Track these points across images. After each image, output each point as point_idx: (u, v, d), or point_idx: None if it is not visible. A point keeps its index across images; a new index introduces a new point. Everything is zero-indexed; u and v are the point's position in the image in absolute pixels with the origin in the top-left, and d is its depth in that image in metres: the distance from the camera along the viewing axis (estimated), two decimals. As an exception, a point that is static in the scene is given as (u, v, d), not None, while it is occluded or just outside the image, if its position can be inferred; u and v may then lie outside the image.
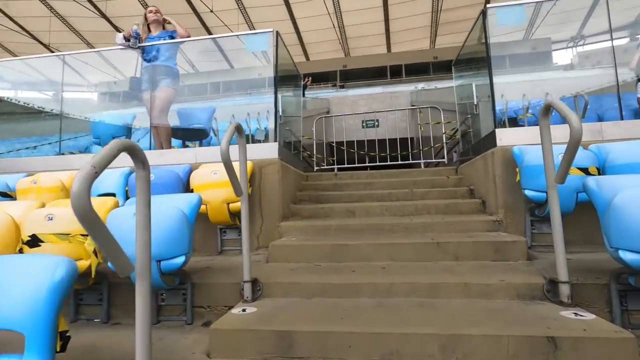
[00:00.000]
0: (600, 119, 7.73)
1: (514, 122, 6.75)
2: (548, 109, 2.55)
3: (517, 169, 3.58)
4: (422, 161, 6.31)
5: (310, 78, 9.99)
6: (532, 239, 3.62)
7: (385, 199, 4.54)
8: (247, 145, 3.84)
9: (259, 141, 5.67)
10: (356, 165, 6.88)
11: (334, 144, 7.98)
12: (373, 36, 28.98)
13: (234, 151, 3.01)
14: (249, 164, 3.83)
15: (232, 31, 24.96)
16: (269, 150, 4.04)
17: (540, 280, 2.54)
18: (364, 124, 11.22)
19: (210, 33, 28.13)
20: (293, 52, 31.18)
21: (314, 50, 30.19)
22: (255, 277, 2.67)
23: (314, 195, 4.68)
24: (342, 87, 26.95)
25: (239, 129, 2.60)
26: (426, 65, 28.84)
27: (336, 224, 3.84)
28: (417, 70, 28.64)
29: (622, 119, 6.56)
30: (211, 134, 5.88)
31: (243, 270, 2.60)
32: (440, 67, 29.13)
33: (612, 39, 4.36)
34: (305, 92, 12.14)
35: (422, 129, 6.80)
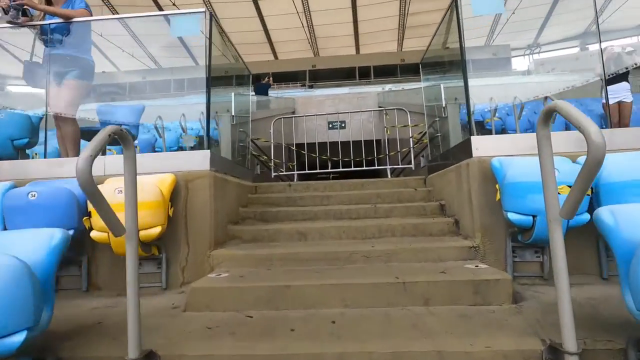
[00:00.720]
0: (567, 127, 7.33)
1: (480, 125, 6.21)
2: (549, 115, 1.86)
3: (497, 186, 2.92)
4: (388, 167, 5.61)
5: (270, 77, 9.10)
6: (514, 268, 2.97)
7: (344, 216, 3.78)
8: (171, 153, 2.96)
9: (184, 148, 4.77)
10: (318, 171, 6.11)
11: (294, 148, 7.16)
12: (342, 37, 28.33)
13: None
14: (169, 178, 2.95)
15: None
16: (198, 160, 3.16)
17: (537, 345, 1.85)
18: (330, 125, 10.49)
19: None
20: (261, 50, 30.20)
21: (283, 49, 29.16)
22: (149, 350, 1.82)
23: (260, 213, 3.85)
24: (311, 86, 26.16)
25: (120, 135, 1.73)
26: (394, 68, 28.56)
27: (281, 252, 3.03)
28: (385, 72, 28.29)
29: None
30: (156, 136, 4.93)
31: (128, 341, 1.74)
32: (408, 70, 28.92)
33: (600, 42, 3.75)
34: (269, 91, 11.23)
35: (389, 132, 6.11)
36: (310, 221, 3.67)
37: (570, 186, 2.65)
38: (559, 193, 2.60)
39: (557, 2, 25.14)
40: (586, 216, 2.66)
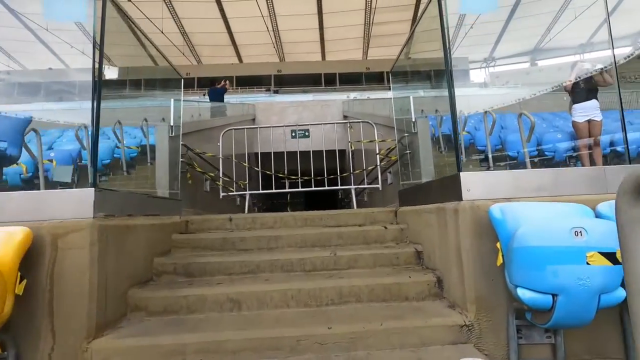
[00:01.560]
0: (539, 143, 6.79)
1: (447, 139, 5.50)
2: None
3: (499, 245, 2.08)
4: (352, 187, 4.71)
5: (227, 81, 7.99)
6: (519, 354, 2.14)
7: (295, 269, 2.82)
8: (27, 193, 1.89)
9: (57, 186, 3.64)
10: (274, 191, 5.11)
11: (246, 165, 6.11)
12: (308, 43, 27.48)
13: None
14: (18, 234, 1.85)
15: (155, 25, 21.82)
16: (73, 204, 2.08)
17: None
18: (293, 134, 9.52)
19: (133, 23, 24.45)
20: (225, 53, 28.59)
21: (248, 53, 27.82)
22: None
23: (183, 265, 2.78)
24: (276, 91, 25.07)
25: None
26: (359, 76, 28.12)
27: (200, 341, 2.02)
28: (350, 79, 27.75)
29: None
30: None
31: None
32: (372, 78, 28.59)
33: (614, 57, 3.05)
34: (225, 97, 10.06)
35: (353, 147, 5.23)
36: (249, 279, 2.66)
37: (603, 253, 1.86)
38: (587, 263, 1.79)
39: (510, 20, 25.83)
40: (622, 292, 1.88)
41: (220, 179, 4.95)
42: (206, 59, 27.58)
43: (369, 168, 5.24)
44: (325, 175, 5.14)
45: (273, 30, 24.86)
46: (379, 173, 4.87)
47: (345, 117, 9.42)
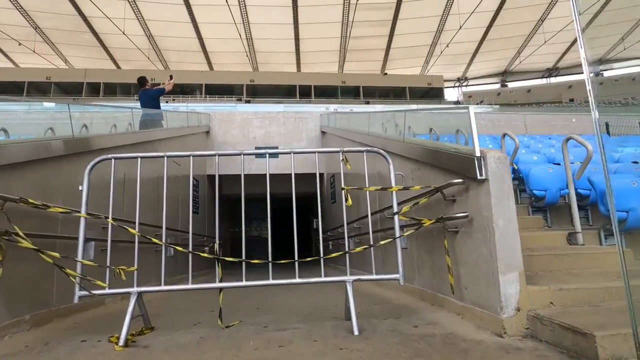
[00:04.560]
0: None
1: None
2: None
3: None
4: (348, 273, 2.09)
5: (171, 77, 5.70)
6: None
7: None
8: None
9: None
10: (199, 286, 2.69)
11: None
12: (283, 53, 25.87)
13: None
14: None
15: (115, 25, 19.33)
16: None
17: None
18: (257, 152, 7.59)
19: (90, 24, 21.78)
20: (195, 59, 26.08)
21: (219, 61, 25.79)
22: None
23: None
24: (248, 101, 23.07)
25: None
26: (335, 89, 26.73)
27: None
28: (326, 92, 26.30)
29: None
30: None
31: None
32: (348, 92, 27.30)
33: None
34: (164, 101, 7.97)
35: (349, 201, 2.43)
36: None
37: None
38: None
39: (482, 42, 25.47)
40: None
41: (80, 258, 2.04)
42: (174, 65, 25.26)
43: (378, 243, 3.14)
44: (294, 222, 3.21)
45: (247, 39, 23.07)
46: (398, 248, 2.15)
47: (323, 133, 7.63)
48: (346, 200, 2.22)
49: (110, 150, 3.48)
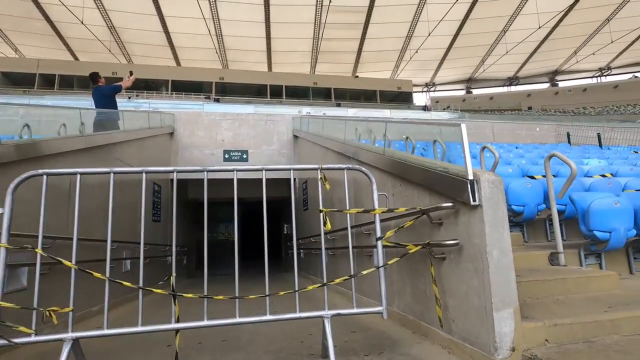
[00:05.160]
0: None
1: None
2: None
3: None
4: (325, 307, 1.87)
5: (131, 74, 5.08)
6: None
7: None
8: None
9: None
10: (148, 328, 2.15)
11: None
12: (254, 52, 25.25)
13: None
14: None
15: (73, 13, 17.91)
16: None
17: None
18: (226, 155, 7.20)
19: (44, 11, 20.05)
20: (161, 54, 24.89)
21: (187, 56, 24.74)
22: None
23: None
24: (217, 100, 22.25)
25: None
26: (306, 90, 26.46)
27: None
28: (297, 93, 25.95)
29: None
30: None
31: None
32: (320, 94, 27.12)
33: None
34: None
35: (329, 226, 2.01)
36: None
37: None
38: None
39: (449, 49, 26.24)
40: None
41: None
42: (138, 59, 23.91)
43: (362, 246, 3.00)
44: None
45: (216, 35, 22.28)
46: (381, 278, 1.92)
47: (295, 137, 7.36)
48: (324, 224, 1.97)
49: (51, 159, 3.01)
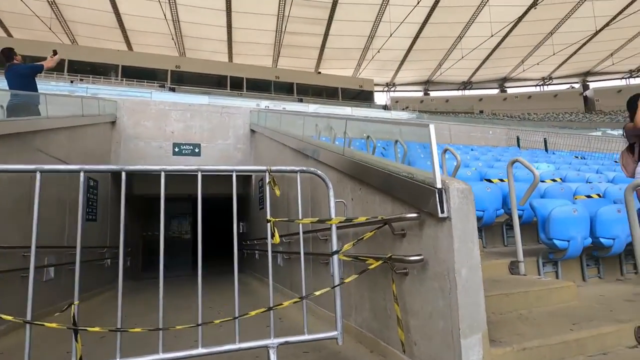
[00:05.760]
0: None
1: None
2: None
3: None
4: (272, 335, 1.62)
5: (55, 53, 4.35)
6: None
7: None
8: None
9: None
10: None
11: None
12: (214, 41, 24.03)
13: None
14: None
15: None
16: None
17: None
18: (176, 149, 6.61)
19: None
20: (110, 36, 22.89)
21: (140, 41, 22.98)
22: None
23: None
24: (172, 89, 20.90)
25: None
26: (268, 83, 25.74)
27: None
28: (258, 86, 25.16)
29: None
30: None
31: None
32: (282, 88, 26.51)
33: None
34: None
35: (276, 237, 1.89)
36: None
37: None
38: None
39: (410, 51, 26.84)
40: None
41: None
42: (83, 40, 21.82)
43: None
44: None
45: (173, 20, 20.87)
46: (337, 298, 1.75)
47: (252, 131, 6.94)
48: (272, 236, 1.67)
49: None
